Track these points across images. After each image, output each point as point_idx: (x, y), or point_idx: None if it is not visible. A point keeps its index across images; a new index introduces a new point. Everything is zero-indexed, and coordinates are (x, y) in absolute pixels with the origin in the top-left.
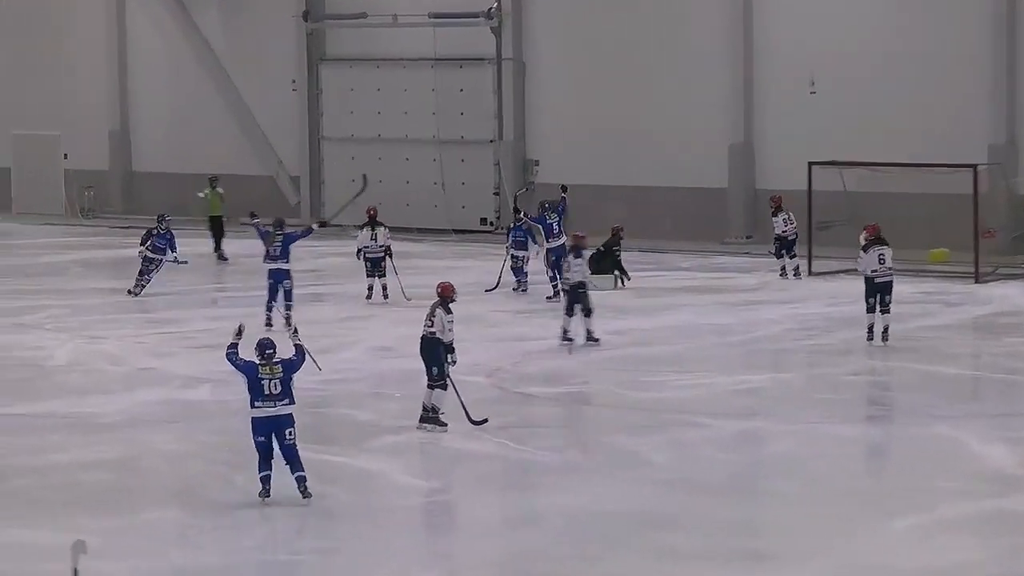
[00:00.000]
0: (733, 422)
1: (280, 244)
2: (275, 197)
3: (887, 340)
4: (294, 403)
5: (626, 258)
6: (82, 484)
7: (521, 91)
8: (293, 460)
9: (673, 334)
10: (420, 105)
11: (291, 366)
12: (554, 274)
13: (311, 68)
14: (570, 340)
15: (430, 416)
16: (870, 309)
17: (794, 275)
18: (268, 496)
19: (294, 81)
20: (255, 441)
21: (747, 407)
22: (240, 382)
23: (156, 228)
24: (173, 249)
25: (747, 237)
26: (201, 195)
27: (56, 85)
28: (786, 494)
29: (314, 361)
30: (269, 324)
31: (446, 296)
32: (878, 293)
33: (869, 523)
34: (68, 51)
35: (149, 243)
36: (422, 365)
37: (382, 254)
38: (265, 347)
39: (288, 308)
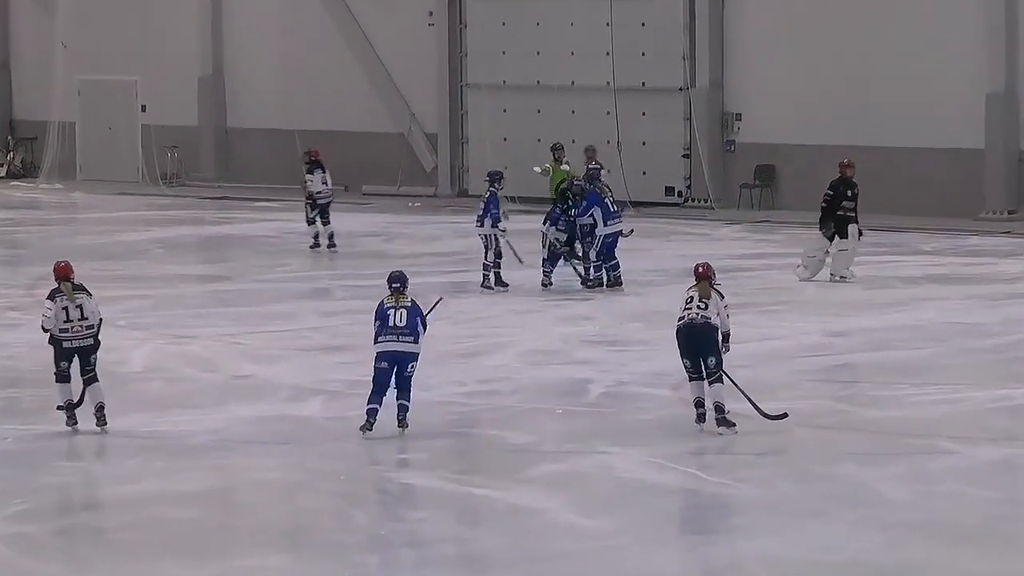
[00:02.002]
0: (988, 449)
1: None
2: (406, 160)
3: None
4: (418, 343)
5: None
6: (165, 522)
7: (719, 26)
8: (404, 388)
9: (912, 336)
10: (591, 44)
11: (419, 309)
12: (599, 263)
13: None
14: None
15: (724, 418)
16: None
17: None
18: (370, 430)
19: (431, 14)
20: (375, 368)
21: (1006, 430)
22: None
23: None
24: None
25: (1009, 212)
26: (539, 170)
27: (133, 19)
28: None
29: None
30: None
31: (708, 276)
32: None
33: None
34: None
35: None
36: (616, 368)
37: (332, 198)
38: (392, 280)
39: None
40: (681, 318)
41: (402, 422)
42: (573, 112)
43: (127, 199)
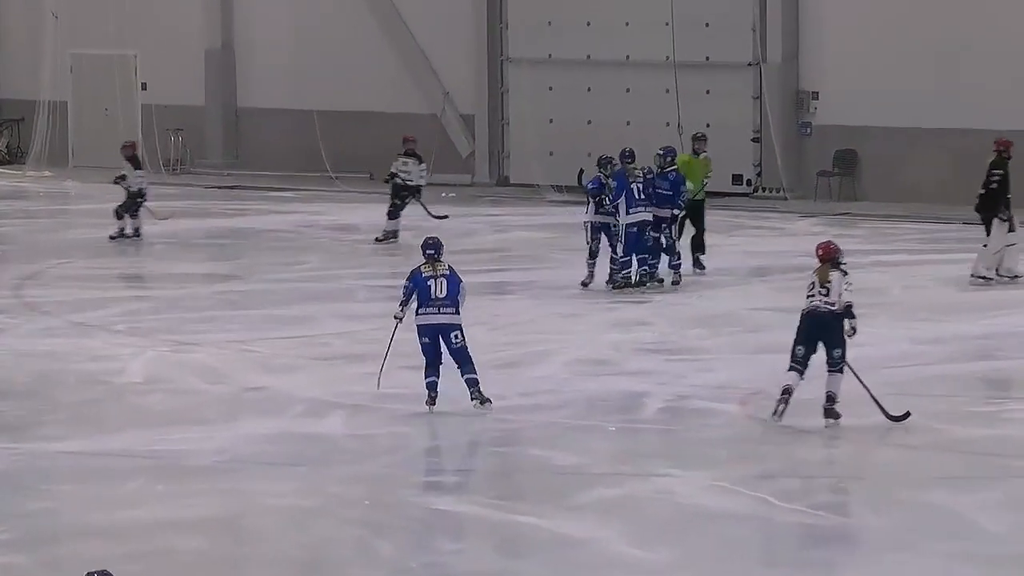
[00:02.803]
0: None
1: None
2: (440, 143)
3: None
4: (459, 314)
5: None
6: (167, 553)
7: None
8: (463, 361)
9: (1016, 344)
10: (648, 13)
11: (457, 276)
12: (626, 259)
13: None
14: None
15: (832, 408)
16: None
17: None
18: (433, 405)
19: None
20: (420, 342)
21: None
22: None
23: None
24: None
25: None
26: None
27: None
28: None
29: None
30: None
31: (829, 258)
32: None
33: None
34: None
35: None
36: (676, 380)
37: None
38: (427, 246)
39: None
40: (806, 303)
41: (476, 397)
42: (628, 91)
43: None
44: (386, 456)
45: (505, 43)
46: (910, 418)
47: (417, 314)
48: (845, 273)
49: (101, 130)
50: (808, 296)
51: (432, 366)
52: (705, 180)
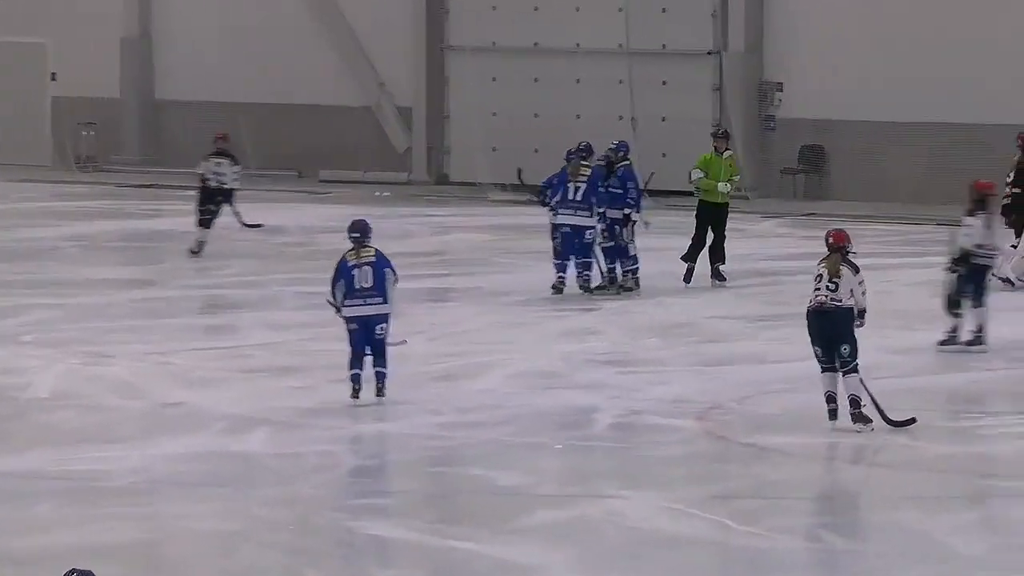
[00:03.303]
0: None
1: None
2: (374, 140)
3: None
4: (387, 303)
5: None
6: None
7: None
8: (378, 354)
9: (991, 355)
10: None
11: (386, 261)
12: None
13: None
14: None
15: (860, 413)
16: None
17: None
18: (358, 398)
19: None
20: (348, 331)
21: None
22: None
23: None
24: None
25: None
26: (698, 175)
27: None
28: None
29: None
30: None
31: (842, 245)
32: None
33: None
34: None
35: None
36: (628, 394)
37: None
38: (351, 230)
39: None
40: (811, 300)
41: (380, 391)
42: (578, 81)
43: (33, 187)
44: (314, 476)
45: (446, 30)
46: (869, 435)
47: (344, 305)
48: (857, 270)
49: (8, 125)
50: (815, 289)
51: (358, 358)
52: (731, 182)
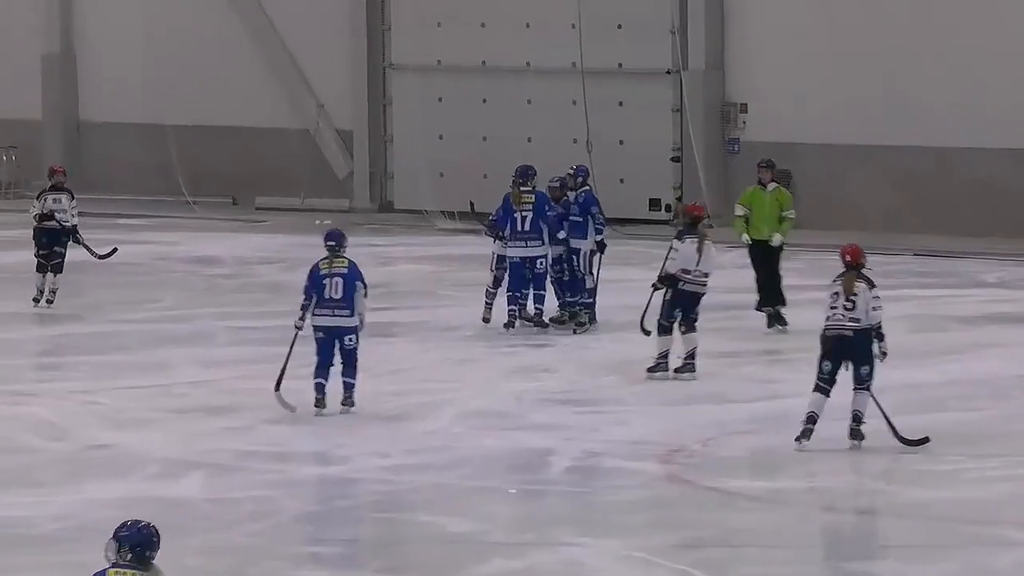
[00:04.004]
0: None
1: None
2: (312, 164)
3: None
4: (355, 316)
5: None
6: None
7: None
8: (348, 364)
9: (971, 393)
10: (552, 13)
11: (358, 273)
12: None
13: None
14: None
15: (858, 429)
16: None
17: None
18: (323, 407)
19: None
20: (315, 339)
21: None
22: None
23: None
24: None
25: None
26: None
27: None
28: None
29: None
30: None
31: (856, 263)
32: None
33: None
34: None
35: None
36: (586, 435)
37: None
38: (327, 238)
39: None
40: (828, 320)
41: (346, 401)
42: (529, 102)
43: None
44: (252, 523)
45: (387, 47)
46: (835, 478)
47: (313, 313)
48: (872, 285)
49: None
50: (831, 308)
51: (323, 367)
52: (783, 223)
